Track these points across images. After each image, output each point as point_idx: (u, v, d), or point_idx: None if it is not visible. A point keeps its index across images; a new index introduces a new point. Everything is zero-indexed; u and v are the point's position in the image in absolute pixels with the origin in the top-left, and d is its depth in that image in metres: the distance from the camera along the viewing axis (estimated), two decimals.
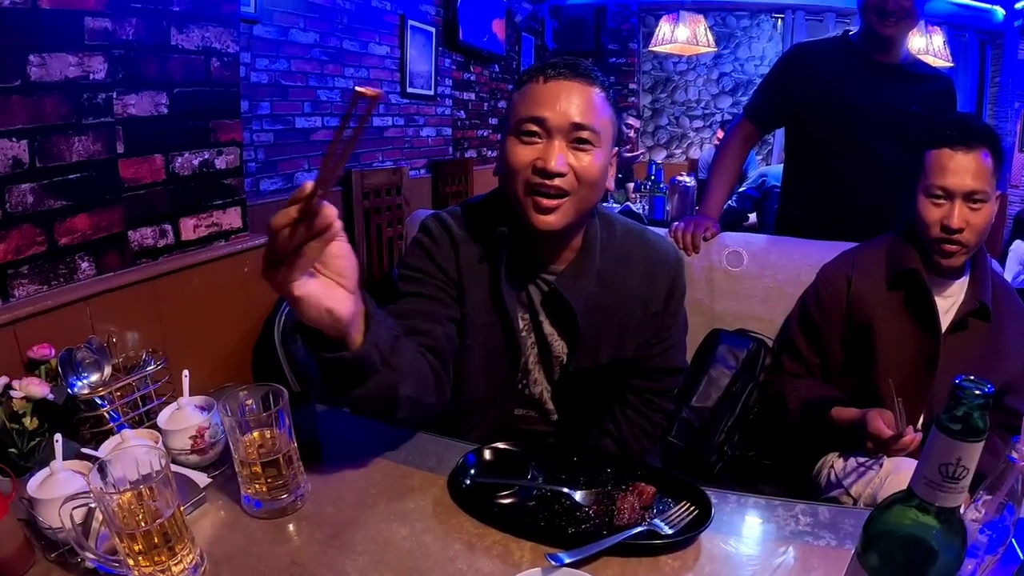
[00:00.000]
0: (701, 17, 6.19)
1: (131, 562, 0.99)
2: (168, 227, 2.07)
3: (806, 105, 2.43)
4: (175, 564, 1.02)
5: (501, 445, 1.36)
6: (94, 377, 1.57)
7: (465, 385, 1.51)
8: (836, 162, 2.40)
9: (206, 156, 2.16)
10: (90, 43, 1.78)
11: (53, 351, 1.60)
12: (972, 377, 0.70)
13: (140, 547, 0.99)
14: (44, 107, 1.69)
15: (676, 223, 2.36)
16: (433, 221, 1.56)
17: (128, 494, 0.99)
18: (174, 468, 1.25)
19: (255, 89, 3.48)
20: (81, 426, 1.51)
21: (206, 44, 2.11)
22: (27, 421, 1.44)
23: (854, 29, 2.46)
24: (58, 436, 1.21)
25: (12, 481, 1.21)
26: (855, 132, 2.34)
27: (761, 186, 4.74)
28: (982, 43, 7.51)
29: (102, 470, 0.98)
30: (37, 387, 1.47)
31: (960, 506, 0.73)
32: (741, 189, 4.84)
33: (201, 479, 1.29)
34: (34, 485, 1.13)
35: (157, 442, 1.30)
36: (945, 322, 1.72)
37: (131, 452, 1.04)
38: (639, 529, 1.12)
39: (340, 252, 1.02)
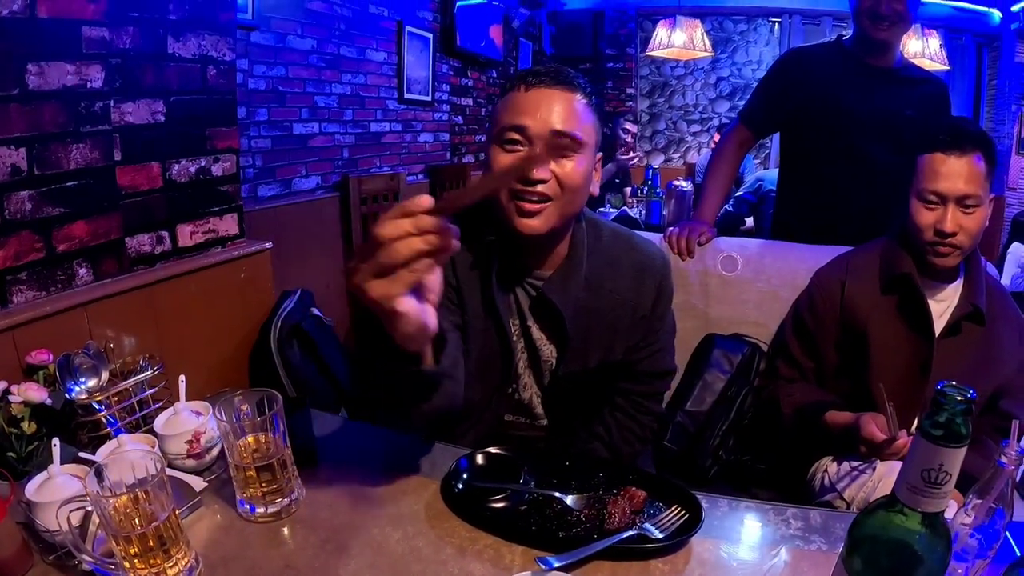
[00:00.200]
0: (698, 22, 6.19)
1: (127, 565, 1.01)
2: (165, 234, 2.07)
3: (801, 110, 2.44)
4: (170, 567, 1.03)
5: (493, 450, 1.37)
6: (92, 382, 1.57)
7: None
8: (831, 166, 2.41)
9: (203, 163, 2.17)
10: (88, 52, 1.78)
11: (51, 356, 1.60)
12: (955, 383, 0.71)
13: (136, 550, 1.00)
14: (42, 115, 1.69)
15: (671, 228, 2.37)
16: None
17: (124, 497, 1.00)
18: (170, 472, 1.25)
19: (252, 95, 3.48)
20: (78, 431, 1.52)
21: (202, 52, 2.11)
22: (25, 425, 1.44)
23: (848, 34, 2.47)
24: (56, 440, 1.22)
25: (10, 485, 1.22)
26: (850, 136, 2.35)
27: (758, 191, 4.75)
28: (979, 46, 7.51)
29: (99, 474, 0.99)
30: (35, 392, 1.47)
31: (944, 511, 0.74)
32: (738, 194, 4.85)
33: (197, 483, 1.30)
34: (32, 488, 1.15)
35: (153, 447, 1.32)
36: (939, 326, 1.72)
37: (127, 456, 1.05)
38: (630, 533, 1.13)
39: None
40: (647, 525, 1.16)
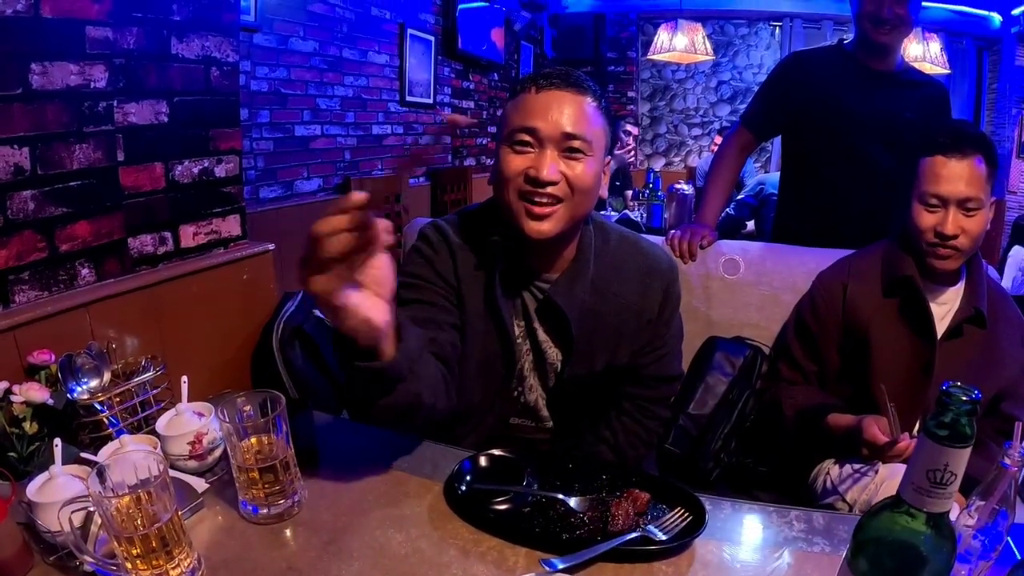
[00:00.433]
0: (699, 25, 6.20)
1: (129, 566, 1.00)
2: (168, 234, 2.08)
3: (802, 113, 2.45)
4: (173, 568, 1.02)
5: (497, 452, 1.37)
6: (93, 383, 1.57)
7: (460, 392, 1.50)
8: (832, 169, 2.42)
9: (206, 164, 2.17)
10: (91, 52, 1.79)
11: (53, 356, 1.60)
12: (959, 383, 0.71)
13: (138, 551, 1.00)
14: (45, 115, 1.70)
15: (673, 231, 2.37)
16: (431, 229, 1.57)
17: (126, 498, 0.99)
18: (172, 473, 1.24)
19: (255, 97, 3.49)
20: (80, 431, 1.52)
21: (206, 53, 2.12)
22: (27, 425, 1.44)
23: (849, 37, 2.48)
24: (57, 441, 1.21)
25: (12, 485, 1.21)
26: (851, 139, 2.36)
27: (759, 194, 4.75)
28: (979, 50, 7.53)
29: (101, 474, 0.99)
30: (37, 392, 1.47)
31: (949, 511, 0.74)
32: (739, 197, 4.85)
33: (199, 484, 1.29)
34: (33, 489, 1.14)
35: (155, 447, 1.31)
36: (941, 328, 1.72)
37: (129, 457, 1.05)
38: (633, 535, 1.13)
39: (379, 261, 1.03)
40: (650, 527, 1.15)
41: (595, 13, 8.01)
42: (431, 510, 1.23)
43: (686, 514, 1.20)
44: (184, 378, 1.46)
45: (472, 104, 6.09)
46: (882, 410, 1.57)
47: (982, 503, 0.95)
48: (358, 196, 0.89)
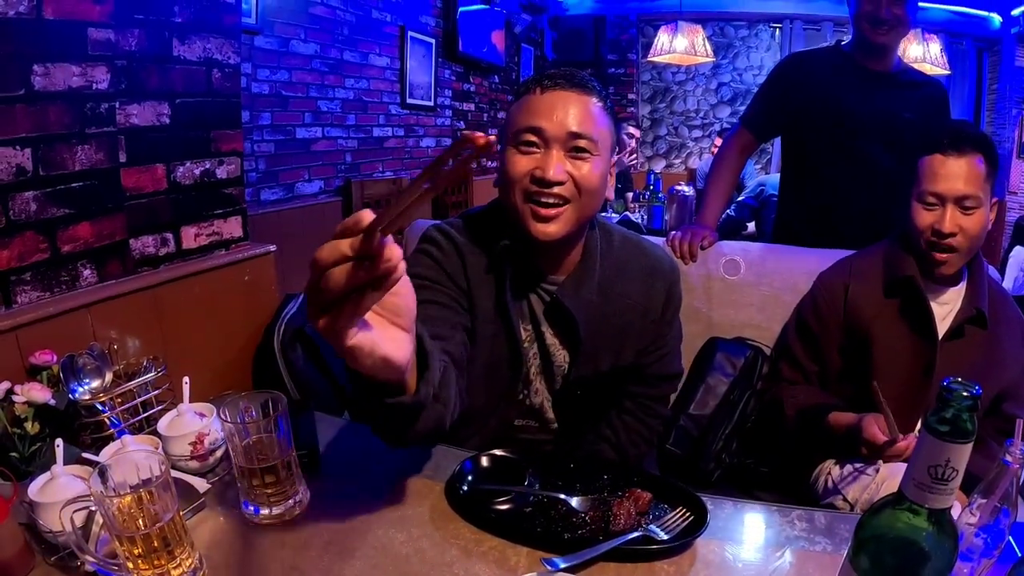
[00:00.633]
0: (699, 27, 6.20)
1: (131, 565, 1.00)
2: (169, 236, 2.08)
3: (802, 113, 2.46)
4: (174, 568, 1.02)
5: (498, 452, 1.37)
6: (95, 383, 1.58)
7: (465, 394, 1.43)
8: (832, 169, 2.43)
9: (207, 166, 2.18)
10: (93, 53, 1.79)
11: (55, 357, 1.61)
12: (960, 379, 0.71)
13: (140, 551, 1.00)
14: (48, 116, 1.70)
15: (673, 232, 2.37)
16: (436, 231, 1.55)
17: (128, 498, 0.99)
18: (173, 474, 1.24)
19: (256, 99, 3.50)
20: (81, 432, 1.52)
21: (208, 55, 2.12)
22: (29, 426, 1.45)
23: (847, 38, 2.49)
24: (59, 441, 1.21)
25: (13, 485, 1.21)
26: (850, 139, 2.37)
27: (759, 195, 4.76)
28: (979, 50, 7.53)
29: (102, 474, 0.99)
30: (39, 392, 1.48)
31: (950, 507, 0.74)
32: (740, 198, 4.85)
33: (200, 485, 1.30)
34: (35, 489, 1.14)
35: (157, 448, 1.31)
36: (942, 329, 1.72)
37: (131, 457, 1.05)
38: (635, 534, 1.13)
39: (397, 288, 0.81)
40: (652, 527, 1.16)
41: (595, 15, 8.02)
42: (433, 510, 1.23)
43: (688, 514, 1.20)
44: (185, 379, 1.46)
45: (473, 106, 6.10)
46: (879, 408, 1.57)
47: (984, 501, 0.95)
48: (365, 217, 0.71)
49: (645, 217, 4.83)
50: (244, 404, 1.22)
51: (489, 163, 6.35)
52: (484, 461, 1.35)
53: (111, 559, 1.03)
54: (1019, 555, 1.08)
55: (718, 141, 5.93)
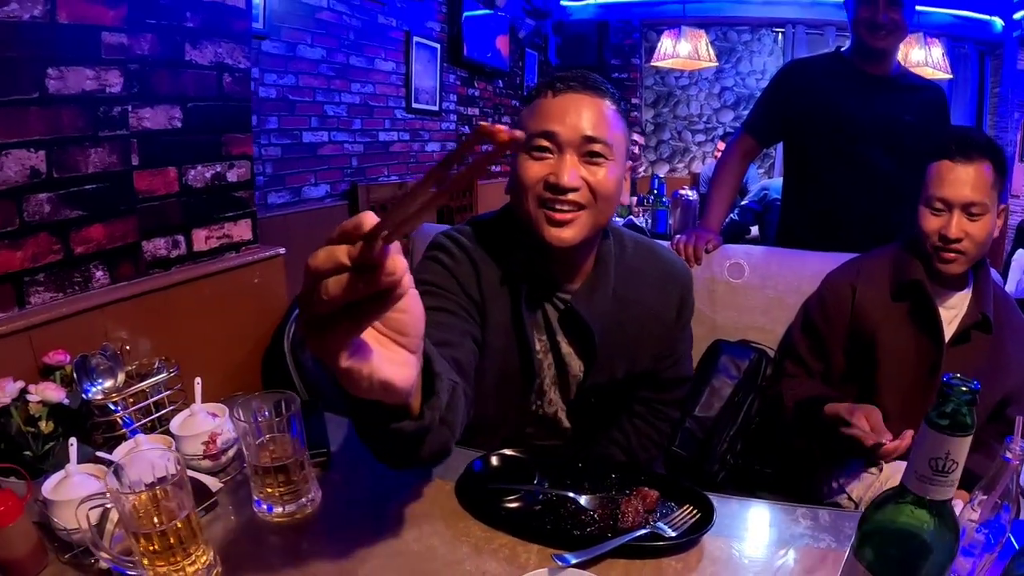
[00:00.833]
0: (702, 32, 6.22)
1: (146, 562, 1.01)
2: (180, 238, 2.10)
3: (803, 118, 2.48)
4: (189, 564, 1.03)
5: (508, 452, 1.38)
6: (108, 383, 1.59)
7: (474, 412, 1.33)
8: (833, 174, 2.46)
9: (218, 169, 2.20)
10: (107, 57, 1.81)
11: (68, 357, 1.62)
12: (959, 375, 0.73)
13: (155, 547, 1.01)
14: (61, 119, 1.72)
15: (678, 236, 2.38)
16: (447, 239, 1.50)
17: (144, 495, 1.00)
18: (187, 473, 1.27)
19: (263, 104, 3.51)
20: (93, 431, 1.53)
21: (219, 60, 2.14)
22: (43, 425, 1.46)
23: (847, 44, 2.53)
24: (73, 440, 1.22)
25: (27, 483, 1.22)
26: (851, 143, 2.39)
27: (763, 199, 4.77)
28: (981, 54, 7.53)
29: (118, 472, 0.99)
30: (54, 392, 1.49)
31: (951, 499, 0.76)
32: (743, 203, 4.87)
33: (213, 484, 1.30)
34: (49, 487, 1.15)
35: (170, 447, 1.32)
36: (948, 333, 1.73)
37: (146, 455, 1.06)
38: (643, 531, 1.14)
39: (403, 304, 0.71)
40: (660, 524, 1.17)
41: (599, 20, 8.03)
42: (443, 509, 1.24)
43: (694, 511, 1.21)
44: (198, 379, 1.47)
45: (477, 111, 6.12)
46: (892, 420, 1.57)
47: (985, 497, 0.97)
48: (366, 220, 0.59)
49: (649, 221, 4.84)
50: (257, 404, 1.23)
51: (494, 168, 6.36)
52: (494, 460, 1.36)
53: (126, 556, 1.04)
54: (1017, 547, 1.09)
55: (721, 145, 5.95)
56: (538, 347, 1.52)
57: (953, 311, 1.76)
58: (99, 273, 1.86)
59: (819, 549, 1.16)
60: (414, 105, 4.91)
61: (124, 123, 1.88)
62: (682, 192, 4.46)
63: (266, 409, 1.24)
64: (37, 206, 1.69)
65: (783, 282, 2.20)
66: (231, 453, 1.40)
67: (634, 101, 8.37)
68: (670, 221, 4.64)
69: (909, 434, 1.49)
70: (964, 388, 0.72)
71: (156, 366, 1.68)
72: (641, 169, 5.86)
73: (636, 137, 6.08)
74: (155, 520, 1.01)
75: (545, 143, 1.35)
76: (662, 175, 6.85)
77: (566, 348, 1.53)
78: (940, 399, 0.73)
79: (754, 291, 2.24)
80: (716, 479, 2.06)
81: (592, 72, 1.43)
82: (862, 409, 1.58)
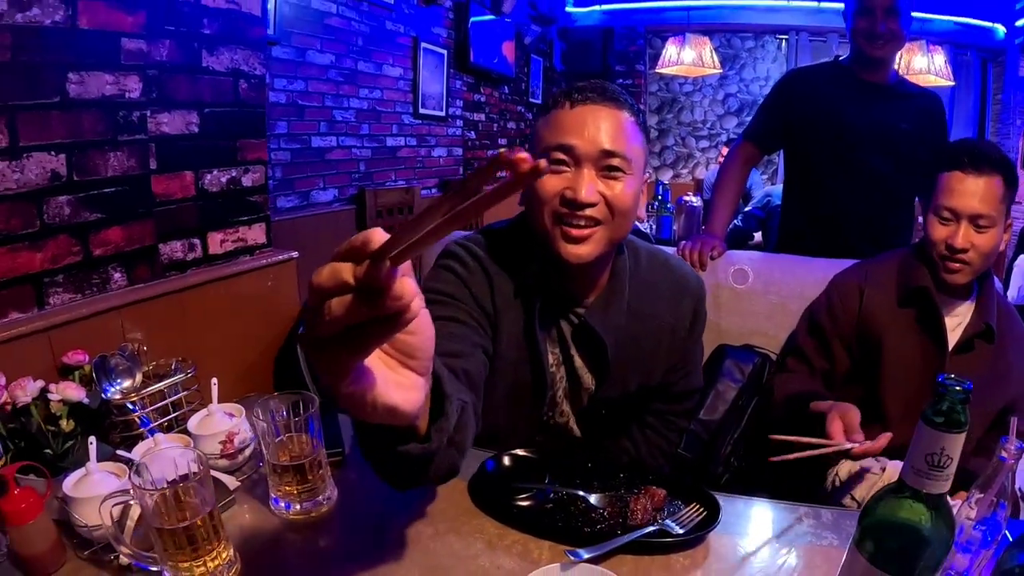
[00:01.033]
0: (707, 39, 6.24)
1: (168, 559, 1.02)
2: (196, 241, 2.13)
3: (803, 126, 2.52)
4: (211, 560, 1.05)
5: (520, 452, 1.40)
6: (126, 383, 1.61)
7: (484, 416, 1.31)
8: (832, 180, 2.49)
9: (233, 174, 2.23)
10: (126, 63, 1.84)
11: (87, 357, 1.65)
12: (953, 376, 0.77)
13: (177, 544, 1.02)
14: (82, 123, 1.75)
15: (684, 242, 2.40)
16: (460, 249, 1.46)
17: (167, 491, 1.02)
18: None
19: (273, 109, 3.52)
20: (112, 430, 1.56)
21: (235, 66, 2.18)
22: (63, 423, 1.48)
23: (845, 53, 2.58)
24: (92, 438, 1.23)
25: (47, 481, 1.22)
26: (850, 150, 2.43)
27: (766, 206, 4.78)
28: (983, 61, 7.53)
29: (140, 470, 1.01)
30: (74, 391, 1.51)
31: (946, 492, 0.79)
32: (746, 209, 4.87)
33: (231, 482, 1.31)
34: (70, 484, 1.16)
35: (188, 446, 1.30)
36: (951, 341, 1.74)
37: (167, 453, 1.07)
38: (651, 528, 1.16)
39: (412, 326, 0.65)
40: (668, 521, 1.18)
41: (604, 27, 8.04)
42: (457, 507, 1.26)
43: (701, 509, 1.23)
44: (214, 380, 1.48)
45: (483, 116, 6.14)
46: (894, 421, 1.58)
47: (981, 496, 1.00)
48: (374, 237, 0.54)
49: (654, 227, 4.85)
50: (275, 404, 1.25)
51: (499, 173, 6.36)
52: (506, 460, 1.37)
53: (147, 552, 1.06)
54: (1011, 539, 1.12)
55: (724, 151, 5.95)
56: (551, 360, 1.50)
57: (957, 319, 1.77)
58: (117, 275, 1.89)
59: (822, 546, 1.18)
60: (421, 110, 4.93)
61: (143, 128, 1.91)
62: (686, 198, 4.48)
63: (284, 409, 1.25)
64: (57, 208, 1.72)
65: (786, 288, 2.22)
66: (248, 452, 1.41)
67: (638, 107, 8.35)
68: (674, 227, 4.66)
69: (886, 437, 1.48)
70: (958, 387, 0.76)
71: (173, 367, 1.70)
72: (646, 175, 5.85)
73: None
74: (177, 516, 1.02)
75: (562, 156, 1.32)
76: (666, 181, 6.87)
77: (579, 362, 1.51)
78: (936, 398, 0.77)
79: (758, 297, 2.25)
80: (720, 480, 2.07)
81: (607, 82, 1.41)
82: (839, 409, 1.57)
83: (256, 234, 2.35)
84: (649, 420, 1.65)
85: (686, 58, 6.07)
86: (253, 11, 2.22)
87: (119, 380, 1.61)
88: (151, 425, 1.55)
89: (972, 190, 1.65)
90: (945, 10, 6.97)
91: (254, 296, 2.29)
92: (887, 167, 2.40)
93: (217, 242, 2.20)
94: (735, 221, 4.81)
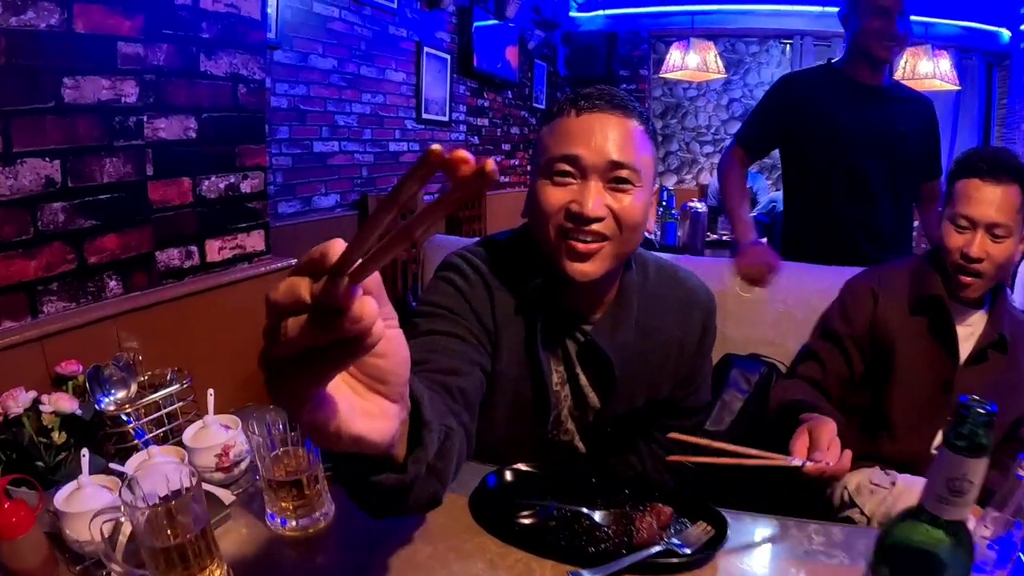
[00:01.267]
0: (711, 43, 6.24)
1: None
2: (194, 248, 2.11)
3: (799, 129, 2.53)
4: None
5: (522, 467, 1.36)
6: (120, 394, 1.58)
7: (483, 436, 1.26)
8: (829, 184, 2.50)
9: (232, 180, 2.22)
10: (123, 67, 1.82)
11: (81, 367, 1.63)
12: (977, 397, 0.73)
13: (169, 562, 1.00)
14: (77, 128, 1.73)
15: (741, 256, 2.35)
16: (462, 260, 1.41)
17: (158, 509, 0.99)
18: None
19: (274, 113, 3.53)
20: (106, 442, 1.53)
21: (234, 71, 2.16)
22: (55, 435, 1.46)
23: (837, 57, 2.60)
24: (85, 451, 1.20)
25: (39, 494, 1.21)
26: (844, 153, 2.44)
27: (771, 211, 4.78)
28: (989, 66, 7.52)
29: (132, 485, 0.99)
30: (67, 402, 1.49)
31: (967, 519, 0.76)
32: (752, 214, 4.86)
33: (226, 496, 1.29)
34: (61, 498, 1.14)
35: (183, 459, 1.30)
36: (964, 351, 1.72)
37: (160, 468, 1.05)
38: (658, 548, 1.13)
39: (382, 348, 0.60)
40: (674, 540, 1.16)
41: (608, 32, 8.04)
42: (458, 524, 1.23)
43: (708, 528, 1.20)
44: (210, 391, 1.46)
45: (487, 121, 6.14)
46: (900, 429, 1.56)
47: (997, 514, 0.97)
48: (333, 249, 0.48)
49: (659, 233, 4.84)
50: (271, 417, 1.22)
51: (503, 178, 6.36)
52: (508, 476, 1.34)
53: (138, 569, 1.04)
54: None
55: None
56: (555, 379, 1.44)
57: (969, 329, 1.75)
58: (112, 283, 1.87)
59: (832, 565, 1.15)
60: (424, 116, 4.93)
61: (139, 133, 1.89)
62: (691, 204, 4.46)
63: (280, 422, 1.22)
64: (52, 215, 1.70)
65: (793, 296, 2.19)
66: (243, 466, 1.39)
67: None
68: (679, 233, 4.64)
69: (847, 456, 1.39)
70: (981, 410, 0.72)
71: (169, 377, 1.67)
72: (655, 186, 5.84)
73: None
74: (169, 533, 1.00)
75: (568, 167, 1.25)
76: (670, 187, 6.86)
77: (584, 380, 1.46)
78: (957, 420, 0.73)
79: (764, 305, 2.23)
80: (726, 492, 2.04)
81: (615, 88, 1.35)
82: (813, 423, 1.47)
83: (255, 241, 2.33)
84: (656, 435, 1.59)
85: (690, 63, 6.08)
86: (252, 15, 2.21)
87: (113, 391, 1.58)
88: (146, 437, 1.52)
89: (989, 198, 1.63)
90: (950, 14, 6.97)
91: (253, 305, 2.26)
92: (883, 170, 2.42)
93: (215, 250, 2.18)
94: None
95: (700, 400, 1.61)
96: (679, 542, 1.16)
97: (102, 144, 1.80)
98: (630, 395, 1.46)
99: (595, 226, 1.24)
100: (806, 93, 2.53)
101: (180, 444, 1.39)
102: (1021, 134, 6.87)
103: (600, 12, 8.03)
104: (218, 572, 1.05)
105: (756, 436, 2.05)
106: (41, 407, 1.48)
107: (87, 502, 1.13)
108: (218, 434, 1.38)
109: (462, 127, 5.66)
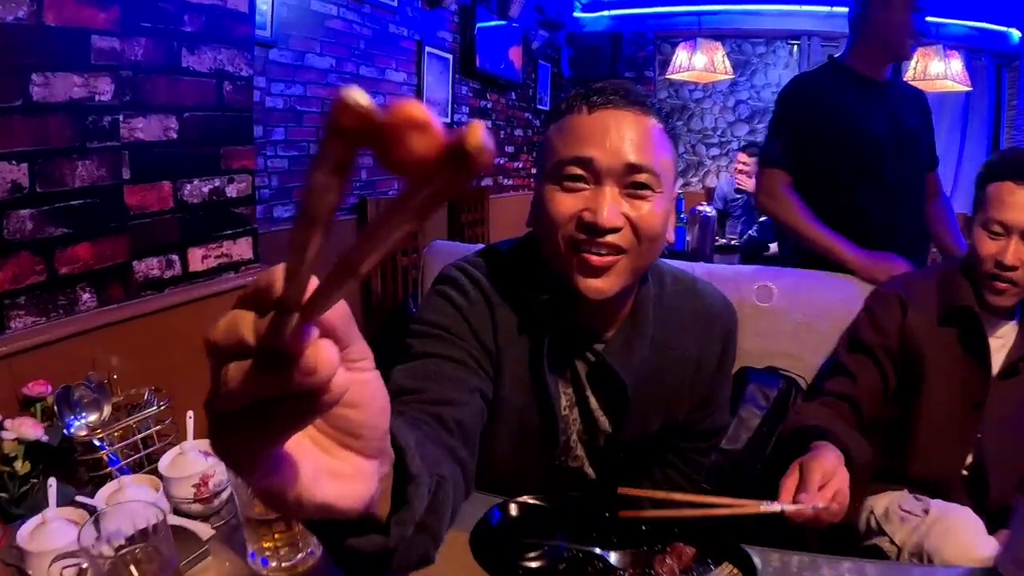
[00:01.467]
0: (718, 44, 6.23)
1: None
2: (175, 258, 2.05)
3: (813, 131, 2.47)
4: None
5: (529, 500, 1.25)
6: (92, 417, 1.53)
7: (486, 468, 1.21)
8: (843, 183, 2.45)
9: (217, 184, 2.16)
10: (97, 63, 1.76)
11: (50, 388, 1.55)
12: None
13: None
14: (47, 129, 1.67)
15: (891, 278, 2.24)
16: (461, 273, 1.30)
17: (125, 556, 0.96)
18: (175, 520, 1.20)
19: (270, 114, 3.50)
20: (78, 468, 1.47)
21: (219, 67, 2.10)
22: (19, 464, 1.38)
23: (838, 53, 2.62)
24: (52, 482, 1.18)
25: (2, 527, 1.18)
26: (859, 151, 2.40)
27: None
28: (998, 67, 7.52)
29: (96, 524, 0.96)
30: (30, 428, 1.41)
31: None
32: (762, 219, 4.80)
33: (204, 531, 1.22)
34: (25, 535, 1.10)
35: (158, 489, 1.27)
36: (995, 363, 1.66)
37: (128, 507, 1.01)
38: None
39: (352, 398, 0.48)
40: None
41: (612, 32, 8.04)
42: (456, 563, 1.13)
43: (735, 570, 1.11)
44: (190, 413, 1.40)
45: (490, 123, 6.10)
46: (924, 448, 1.48)
47: None
48: (275, 278, 0.36)
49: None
50: None
51: (505, 180, 6.30)
52: (512, 509, 1.24)
53: None
54: None
55: (740, 157, 5.87)
56: (564, 403, 1.34)
57: (1001, 341, 1.69)
58: (86, 295, 1.81)
59: None
60: None
61: (115, 134, 1.84)
62: (700, 208, 4.42)
63: None
64: (19, 223, 1.64)
65: (812, 307, 2.12)
66: (224, 496, 1.32)
67: None
68: (688, 238, 4.60)
69: (841, 497, 1.25)
70: None
71: (146, 397, 1.62)
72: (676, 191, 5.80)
73: None
74: None
75: (579, 171, 1.14)
76: (679, 190, 6.79)
77: (595, 403, 1.35)
78: None
79: (782, 315, 2.15)
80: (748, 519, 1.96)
81: (630, 82, 1.24)
82: (809, 459, 1.33)
83: (242, 249, 2.26)
84: (670, 459, 1.49)
85: (697, 63, 6.07)
86: (239, 7, 2.15)
87: (84, 413, 1.53)
88: (120, 463, 1.46)
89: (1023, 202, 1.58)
90: (959, 14, 6.95)
91: None
92: (895, 165, 2.39)
93: (198, 258, 2.12)
94: (750, 232, 4.87)
95: (717, 423, 1.50)
96: None
97: (74, 145, 1.74)
98: (644, 418, 1.35)
99: (610, 237, 1.12)
100: (820, 93, 2.49)
101: (156, 472, 1.33)
102: None
103: (605, 12, 7.99)
104: None
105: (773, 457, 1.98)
106: (3, 434, 1.39)
107: (52, 539, 1.10)
108: (197, 462, 1.33)
109: (465, 119, 5.59)
